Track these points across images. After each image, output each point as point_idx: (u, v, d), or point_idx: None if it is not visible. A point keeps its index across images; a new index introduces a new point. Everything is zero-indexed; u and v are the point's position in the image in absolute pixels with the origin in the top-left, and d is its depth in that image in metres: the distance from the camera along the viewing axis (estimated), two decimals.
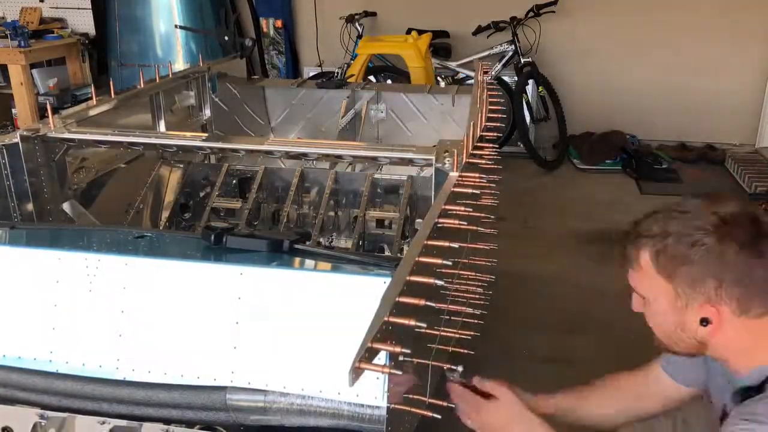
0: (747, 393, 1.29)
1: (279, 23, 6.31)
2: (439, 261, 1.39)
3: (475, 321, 1.80)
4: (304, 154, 2.69)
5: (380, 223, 2.93)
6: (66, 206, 2.50)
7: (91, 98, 2.72)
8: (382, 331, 1.14)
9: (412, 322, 1.20)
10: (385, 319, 1.16)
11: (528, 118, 5.65)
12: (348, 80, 4.55)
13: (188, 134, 2.77)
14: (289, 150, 2.48)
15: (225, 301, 1.49)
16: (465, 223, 1.65)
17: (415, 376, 1.39)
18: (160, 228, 2.99)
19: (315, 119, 3.79)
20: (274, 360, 1.45)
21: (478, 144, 2.22)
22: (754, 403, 1.25)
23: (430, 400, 1.40)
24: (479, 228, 1.98)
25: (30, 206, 2.37)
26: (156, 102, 3.09)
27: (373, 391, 1.36)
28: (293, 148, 2.54)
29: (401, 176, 2.94)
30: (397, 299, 1.21)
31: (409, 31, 5.54)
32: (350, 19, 5.79)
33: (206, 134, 2.80)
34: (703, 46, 5.71)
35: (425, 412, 1.36)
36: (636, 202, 4.81)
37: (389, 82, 5.57)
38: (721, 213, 1.28)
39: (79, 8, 5.89)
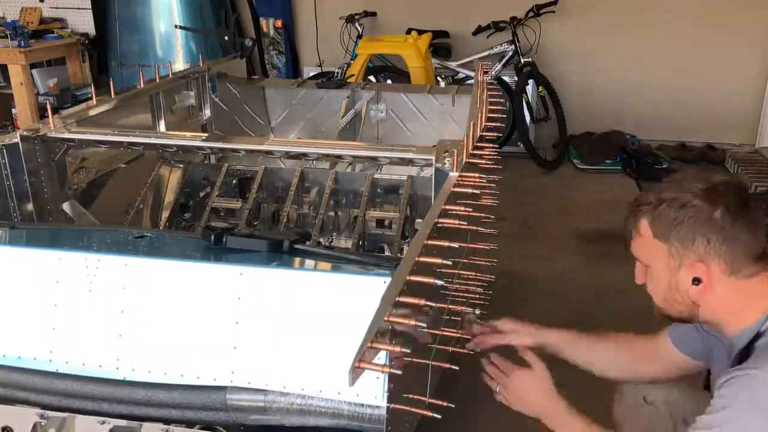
0: (740, 356, 1.36)
1: (279, 23, 6.31)
2: (439, 261, 1.39)
3: (475, 321, 1.81)
4: (304, 154, 2.69)
5: (380, 223, 2.93)
6: (66, 206, 2.50)
7: (91, 98, 2.72)
8: (382, 331, 1.14)
9: (412, 322, 1.20)
10: (385, 319, 1.16)
11: (528, 118, 5.65)
12: (348, 80, 4.55)
13: (188, 134, 2.77)
14: (289, 150, 2.48)
15: (225, 301, 1.49)
16: (465, 223, 1.65)
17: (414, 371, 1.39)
18: (160, 228, 2.99)
19: (315, 119, 3.79)
20: (274, 360, 1.45)
21: (478, 144, 2.22)
22: (749, 362, 1.32)
23: (430, 400, 1.41)
24: (479, 228, 1.98)
25: (30, 206, 2.37)
26: (156, 102, 3.09)
27: (373, 391, 1.36)
28: (293, 148, 2.54)
29: (401, 176, 2.94)
30: (397, 299, 1.21)
31: (409, 31, 5.54)
32: (350, 19, 5.79)
33: (206, 134, 2.80)
34: (703, 46, 5.70)
35: (425, 412, 1.36)
36: None
37: (389, 82, 5.57)
38: (710, 180, 1.42)
39: (79, 8, 5.89)
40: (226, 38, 3.93)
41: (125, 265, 1.56)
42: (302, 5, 6.35)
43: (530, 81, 5.60)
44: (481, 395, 1.79)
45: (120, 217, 2.86)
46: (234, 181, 3.14)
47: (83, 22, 5.94)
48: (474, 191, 1.81)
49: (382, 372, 1.14)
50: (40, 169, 2.39)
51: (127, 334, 1.52)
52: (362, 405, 1.39)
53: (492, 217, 2.32)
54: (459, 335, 1.72)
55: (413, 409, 1.36)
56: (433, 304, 1.34)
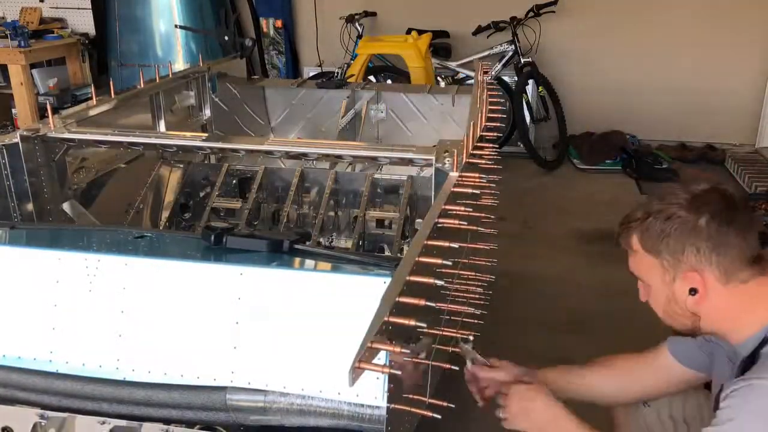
0: (744, 364, 1.35)
1: (279, 23, 6.31)
2: (439, 261, 1.39)
3: (475, 321, 1.80)
4: (304, 154, 2.69)
5: (380, 223, 2.93)
6: (66, 206, 2.50)
7: (91, 98, 2.72)
8: (381, 331, 1.14)
9: (412, 322, 1.20)
10: (385, 319, 1.16)
11: (528, 118, 5.65)
12: (348, 80, 4.55)
13: (188, 134, 2.77)
14: (289, 150, 2.48)
15: (225, 301, 1.49)
16: (465, 223, 1.65)
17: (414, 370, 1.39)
18: (160, 228, 2.99)
19: (315, 119, 3.79)
20: (274, 360, 1.45)
21: (478, 144, 2.22)
22: (754, 371, 1.30)
23: (430, 400, 1.40)
24: (479, 228, 1.98)
25: (30, 206, 2.37)
26: (156, 102, 3.09)
27: (373, 391, 1.36)
28: (293, 148, 2.54)
29: (401, 176, 2.94)
30: (397, 299, 1.21)
31: (409, 31, 5.54)
32: (350, 19, 5.79)
33: (206, 134, 2.80)
34: (703, 46, 5.71)
35: (425, 412, 1.36)
36: (636, 202, 4.77)
37: (389, 82, 5.57)
38: (693, 190, 1.41)
39: (79, 8, 5.90)
40: (226, 38, 3.93)
41: (125, 265, 1.56)
42: (302, 5, 6.35)
43: (530, 81, 5.60)
44: None
45: (120, 217, 2.86)
46: (234, 181, 3.14)
47: (83, 22, 5.94)
48: (474, 191, 1.81)
49: (382, 372, 1.14)
50: (40, 169, 2.39)
51: (127, 334, 1.52)
52: (362, 405, 1.39)
53: (492, 217, 2.32)
54: (459, 335, 1.72)
55: (413, 409, 1.36)
56: (433, 304, 1.34)
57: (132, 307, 1.53)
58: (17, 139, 2.30)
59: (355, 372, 1.07)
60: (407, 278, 1.27)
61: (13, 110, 5.58)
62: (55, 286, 1.57)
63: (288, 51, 6.39)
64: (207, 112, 3.53)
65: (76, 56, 5.80)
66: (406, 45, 5.24)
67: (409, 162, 2.34)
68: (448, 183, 1.83)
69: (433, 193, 2.07)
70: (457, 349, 1.69)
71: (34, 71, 5.56)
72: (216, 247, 1.64)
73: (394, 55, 5.48)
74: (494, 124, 2.62)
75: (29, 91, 5.30)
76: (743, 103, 5.77)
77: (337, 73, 5.67)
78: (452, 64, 5.79)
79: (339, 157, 2.60)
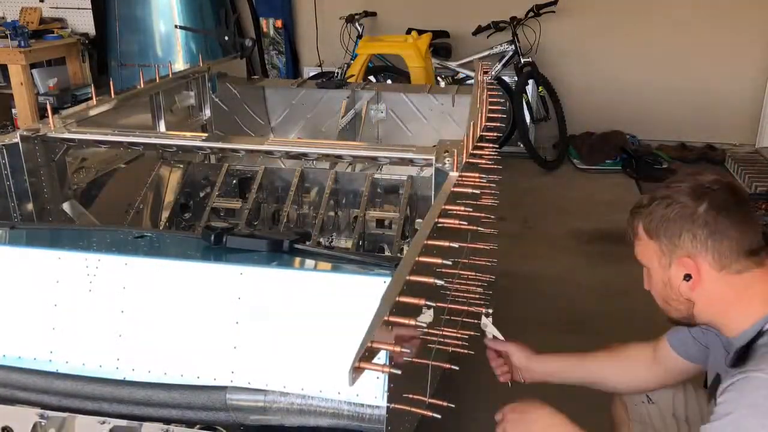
0: (738, 354, 1.35)
1: (279, 23, 6.31)
2: (439, 261, 1.39)
3: (475, 321, 1.81)
4: (304, 154, 2.69)
5: (380, 223, 2.93)
6: (66, 206, 2.50)
7: (91, 98, 2.72)
8: (381, 331, 1.14)
9: (412, 322, 1.20)
10: (385, 319, 1.16)
11: (528, 118, 5.66)
12: (348, 80, 4.55)
13: (188, 134, 2.77)
14: (289, 150, 2.48)
15: (225, 301, 1.49)
16: (465, 223, 1.65)
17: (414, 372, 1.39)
18: (160, 228, 2.99)
19: (315, 119, 3.79)
20: (274, 360, 1.44)
21: (478, 144, 2.22)
22: (750, 363, 1.31)
23: (430, 400, 1.40)
24: (479, 228, 1.98)
25: (30, 206, 2.36)
26: (156, 102, 3.09)
27: (373, 391, 1.36)
28: (293, 148, 2.54)
29: (401, 176, 2.94)
30: (397, 299, 1.21)
31: (409, 31, 5.54)
32: (350, 19, 5.79)
33: (206, 134, 2.79)
34: (703, 46, 5.71)
35: (425, 412, 1.36)
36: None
37: (389, 82, 5.57)
38: (699, 179, 1.44)
39: (79, 8, 5.90)
40: (226, 38, 3.93)
41: (125, 265, 1.56)
42: (302, 5, 6.35)
43: (530, 81, 5.61)
44: (482, 395, 1.79)
45: (120, 217, 2.86)
46: (234, 181, 3.14)
47: (83, 22, 5.94)
48: (474, 191, 1.81)
49: (382, 372, 1.14)
50: (40, 169, 2.39)
51: (127, 334, 1.52)
52: (362, 405, 1.39)
53: (492, 217, 2.32)
54: (459, 335, 1.72)
55: (413, 409, 1.36)
56: (433, 304, 1.33)
57: (132, 307, 1.53)
58: (17, 139, 2.30)
59: (355, 372, 1.07)
60: (407, 278, 1.27)
61: (13, 110, 5.58)
62: (55, 286, 1.57)
63: (288, 51, 6.39)
64: (207, 112, 3.53)
65: (76, 56, 5.80)
66: (406, 45, 5.24)
67: (409, 162, 2.34)
68: (448, 183, 1.83)
69: (433, 193, 2.07)
70: (457, 349, 1.69)
71: (34, 71, 5.56)
72: (216, 247, 1.64)
73: (394, 55, 5.48)
74: (494, 124, 2.62)
75: (29, 91, 5.30)
76: (743, 103, 5.77)
77: (337, 73, 5.67)
78: (452, 64, 5.80)
79: (339, 157, 2.60)
